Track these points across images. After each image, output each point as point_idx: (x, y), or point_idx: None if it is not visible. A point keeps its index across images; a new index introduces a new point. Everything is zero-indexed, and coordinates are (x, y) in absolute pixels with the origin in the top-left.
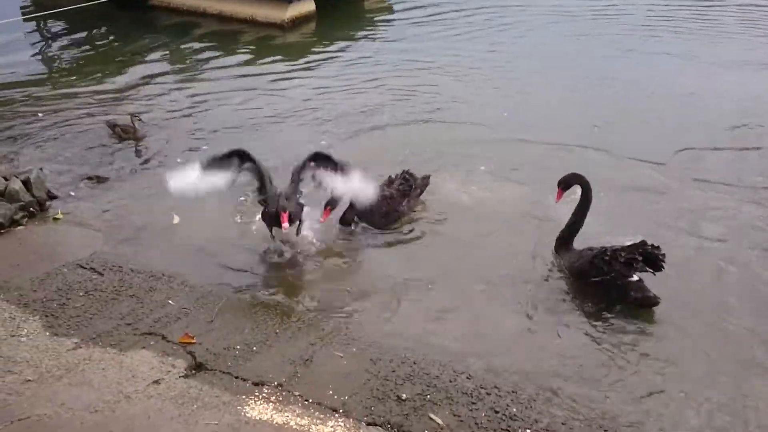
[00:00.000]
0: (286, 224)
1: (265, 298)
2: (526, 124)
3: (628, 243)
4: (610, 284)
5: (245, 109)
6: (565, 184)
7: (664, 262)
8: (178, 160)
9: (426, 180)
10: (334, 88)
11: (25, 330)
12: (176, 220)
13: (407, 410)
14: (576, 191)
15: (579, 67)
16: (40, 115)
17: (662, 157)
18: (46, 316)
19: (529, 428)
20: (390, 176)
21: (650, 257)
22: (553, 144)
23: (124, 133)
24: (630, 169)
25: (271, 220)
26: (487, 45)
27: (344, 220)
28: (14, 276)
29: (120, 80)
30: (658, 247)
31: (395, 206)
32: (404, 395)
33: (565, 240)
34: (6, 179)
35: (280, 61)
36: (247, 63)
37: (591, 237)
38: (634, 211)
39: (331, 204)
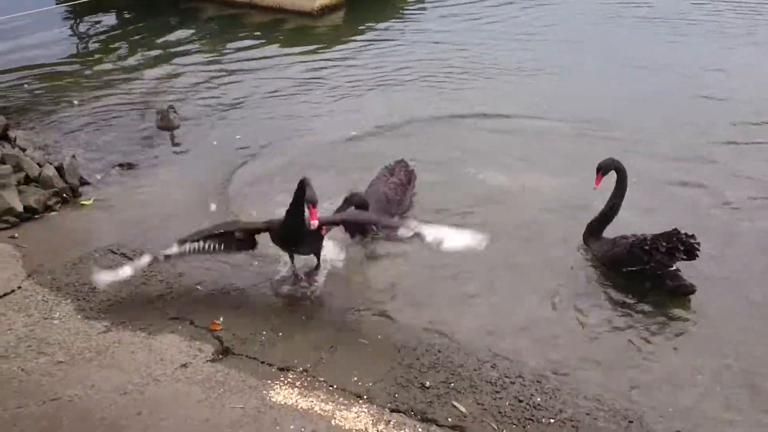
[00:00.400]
0: (315, 221)
1: (292, 287)
2: (561, 110)
3: (659, 231)
4: (647, 274)
5: (277, 96)
6: (604, 169)
7: (698, 250)
8: (214, 143)
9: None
10: (362, 75)
11: (58, 313)
12: (213, 207)
13: (431, 398)
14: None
15: (612, 51)
16: (75, 102)
17: (698, 142)
18: (78, 299)
19: (553, 418)
20: (387, 165)
21: (685, 245)
22: (587, 130)
23: (161, 121)
24: (668, 154)
25: (294, 227)
26: (520, 31)
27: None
28: (47, 260)
29: (152, 69)
30: (692, 236)
31: (404, 194)
32: (428, 383)
33: (596, 228)
34: (40, 165)
35: (309, 49)
36: (276, 51)
37: (624, 225)
38: (669, 196)
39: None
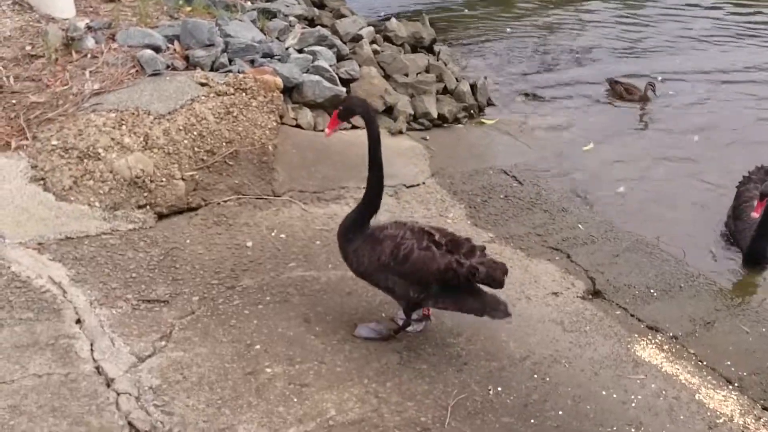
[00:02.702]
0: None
1: (669, 249)
2: None
3: None
4: None
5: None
6: None
7: None
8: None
9: None
10: None
11: (451, 214)
12: (590, 146)
13: None
14: None
15: None
16: (507, 30)
17: None
18: (470, 207)
19: None
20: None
21: None
22: None
23: (627, 93)
24: None
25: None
26: None
27: (759, 251)
28: (448, 165)
29: (583, 14)
30: None
31: None
32: None
33: None
34: (457, 81)
35: None
36: None
37: None
38: None
39: None
